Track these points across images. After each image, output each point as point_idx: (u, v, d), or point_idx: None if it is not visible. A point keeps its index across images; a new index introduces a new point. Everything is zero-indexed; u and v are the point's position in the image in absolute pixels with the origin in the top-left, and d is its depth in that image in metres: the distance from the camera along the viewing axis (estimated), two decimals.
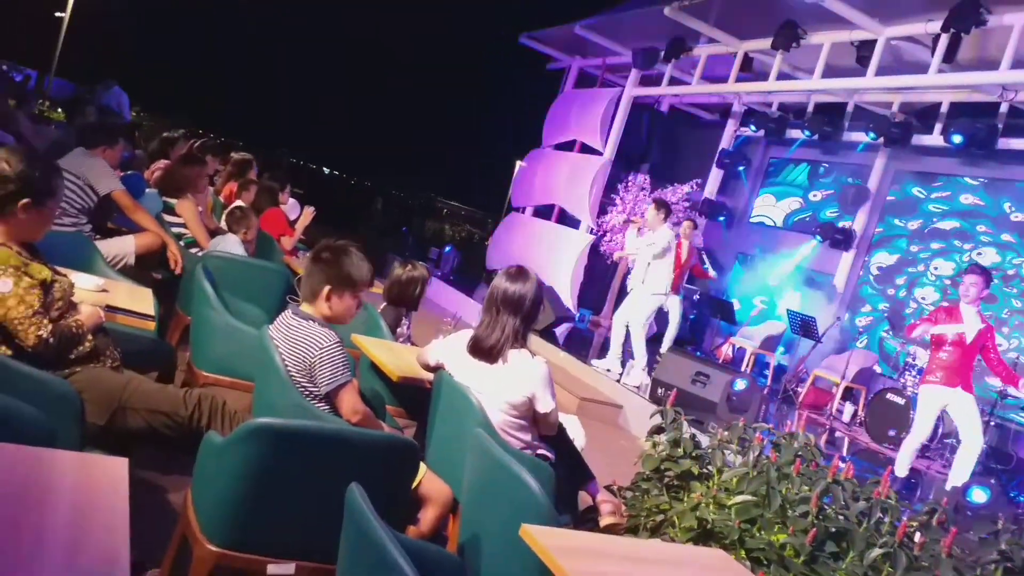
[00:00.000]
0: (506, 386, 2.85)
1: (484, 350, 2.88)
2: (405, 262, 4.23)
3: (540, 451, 3.01)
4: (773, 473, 2.84)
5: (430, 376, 3.12)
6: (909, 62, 8.18)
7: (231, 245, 4.63)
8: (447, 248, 11.88)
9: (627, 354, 7.75)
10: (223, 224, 5.04)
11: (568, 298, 10.53)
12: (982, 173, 9.23)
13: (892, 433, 7.73)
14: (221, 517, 2.11)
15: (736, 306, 10.02)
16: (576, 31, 10.92)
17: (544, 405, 2.89)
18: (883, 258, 10.08)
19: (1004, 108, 8.23)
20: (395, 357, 3.38)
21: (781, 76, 8.90)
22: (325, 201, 16.09)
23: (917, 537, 2.96)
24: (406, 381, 3.18)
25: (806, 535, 2.64)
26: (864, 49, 8.10)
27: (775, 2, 8.32)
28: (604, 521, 3.11)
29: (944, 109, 8.81)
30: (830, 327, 8.65)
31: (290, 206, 6.25)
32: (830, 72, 8.50)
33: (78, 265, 3.39)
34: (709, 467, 3.38)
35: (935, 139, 8.79)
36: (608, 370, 7.79)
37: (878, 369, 9.01)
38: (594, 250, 11.04)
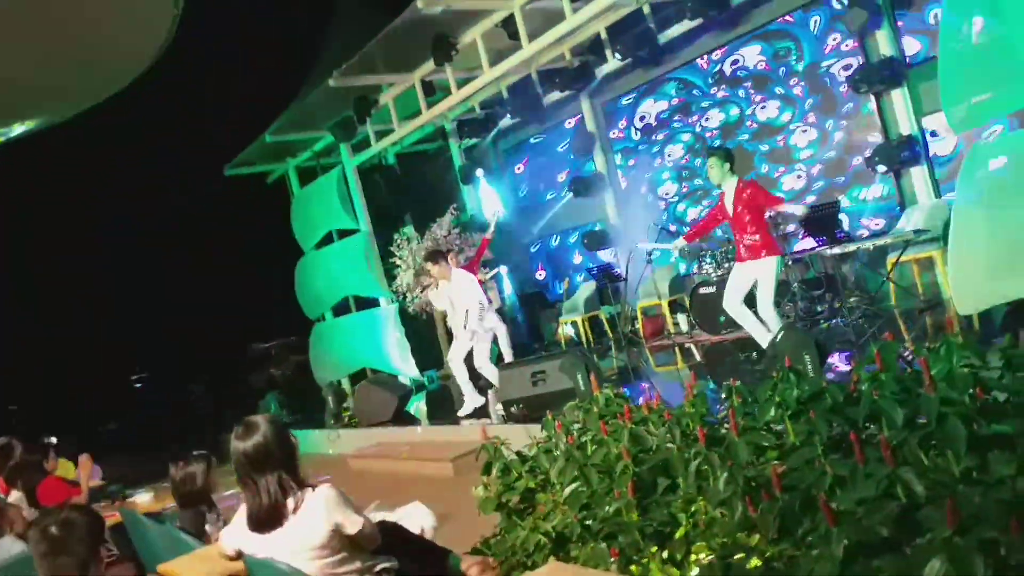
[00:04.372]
0: (304, 534, 2.71)
1: (266, 521, 2.71)
2: (187, 460, 3.97)
3: (379, 567, 2.89)
4: (576, 453, 2.88)
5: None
6: (551, 13, 8.66)
7: (7, 548, 4.16)
8: (267, 398, 11.37)
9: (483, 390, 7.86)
10: None
11: (409, 369, 10.42)
12: (668, 69, 9.98)
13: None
14: None
15: (546, 289, 10.31)
16: (268, 140, 10.86)
17: (352, 525, 2.77)
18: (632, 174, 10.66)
19: (647, 9, 8.96)
20: (210, 564, 3.14)
21: (461, 84, 9.25)
22: (151, 426, 14.95)
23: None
24: None
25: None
26: (509, 25, 8.56)
27: (419, 25, 8.58)
28: None
29: (604, 36, 9.44)
30: (628, 262, 9.05)
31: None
32: (497, 57, 8.91)
33: None
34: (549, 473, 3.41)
35: (613, 63, 9.43)
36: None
37: (683, 270, 9.55)
38: (404, 313, 10.98)
